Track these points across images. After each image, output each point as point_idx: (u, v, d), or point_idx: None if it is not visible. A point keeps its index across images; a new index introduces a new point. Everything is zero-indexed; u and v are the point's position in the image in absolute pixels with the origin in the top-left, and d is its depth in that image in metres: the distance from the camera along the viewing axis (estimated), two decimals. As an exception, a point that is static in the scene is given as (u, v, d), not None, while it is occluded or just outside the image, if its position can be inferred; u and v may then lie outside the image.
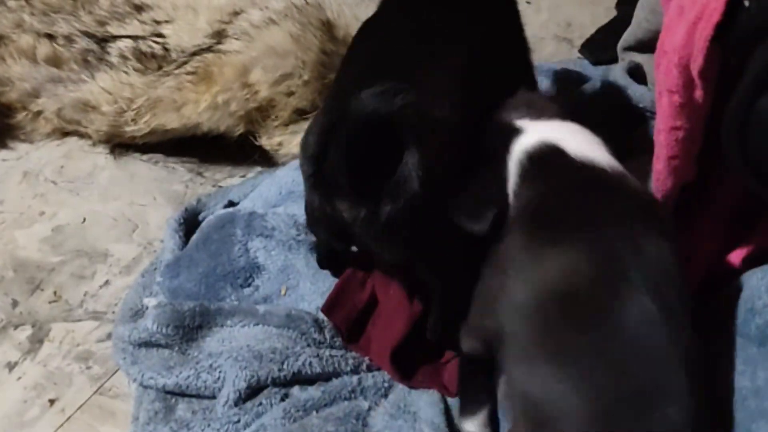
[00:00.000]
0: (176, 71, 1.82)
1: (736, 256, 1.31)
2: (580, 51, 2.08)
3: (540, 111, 1.32)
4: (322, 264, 1.54)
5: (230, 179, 1.87)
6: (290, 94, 1.76)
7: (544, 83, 1.81)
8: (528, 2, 2.19)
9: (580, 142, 1.24)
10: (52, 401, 1.53)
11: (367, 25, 1.51)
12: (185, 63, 1.83)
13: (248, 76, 1.76)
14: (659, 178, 1.25)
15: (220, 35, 1.85)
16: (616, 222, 1.13)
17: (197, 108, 1.78)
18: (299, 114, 1.78)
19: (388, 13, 1.51)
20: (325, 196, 1.32)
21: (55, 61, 1.97)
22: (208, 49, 1.83)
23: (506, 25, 1.54)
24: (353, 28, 1.79)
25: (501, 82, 1.42)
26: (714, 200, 1.28)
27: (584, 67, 2.00)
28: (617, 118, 1.73)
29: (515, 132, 1.29)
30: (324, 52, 1.76)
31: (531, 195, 1.22)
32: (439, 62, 1.35)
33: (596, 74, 1.90)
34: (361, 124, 1.24)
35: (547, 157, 1.24)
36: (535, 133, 1.27)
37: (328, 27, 1.79)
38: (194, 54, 1.84)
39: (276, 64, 1.75)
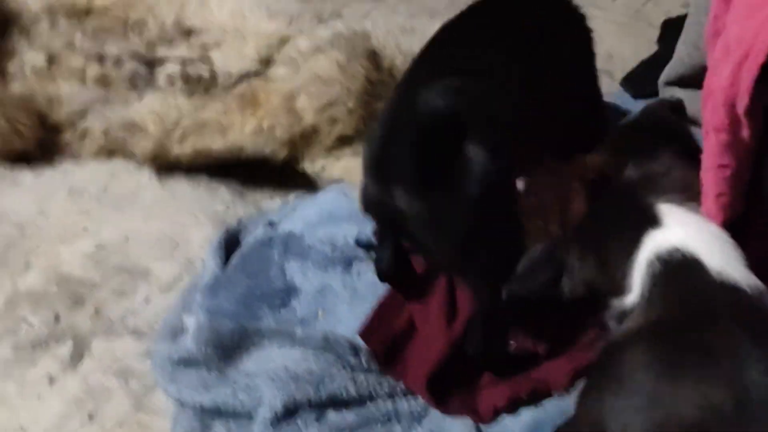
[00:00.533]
0: (223, 95, 1.86)
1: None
2: (620, 84, 2.09)
3: (683, 194, 1.21)
4: (384, 277, 1.55)
5: (271, 202, 1.90)
6: (334, 121, 1.79)
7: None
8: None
9: (721, 256, 1.14)
10: (91, 416, 1.56)
11: (444, 29, 1.55)
12: (232, 87, 1.86)
13: (294, 103, 1.79)
14: (709, 215, 1.24)
15: (267, 61, 1.88)
16: (759, 356, 1.03)
17: (242, 132, 1.82)
18: (343, 141, 1.80)
19: (464, 20, 1.55)
20: (384, 183, 1.35)
21: (103, 82, 2.00)
22: (255, 74, 1.86)
23: (578, 49, 1.59)
24: (398, 59, 1.83)
25: (566, 98, 1.47)
26: (759, 233, 1.28)
27: (624, 100, 2.01)
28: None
29: (651, 221, 1.17)
30: (369, 81, 1.79)
31: (663, 309, 1.13)
32: (507, 68, 1.39)
33: (636, 108, 1.91)
34: (429, 117, 1.29)
35: (686, 269, 1.13)
36: (673, 233, 1.16)
37: (373, 56, 1.82)
38: (241, 79, 1.87)
39: (321, 91, 1.78)
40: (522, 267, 1.26)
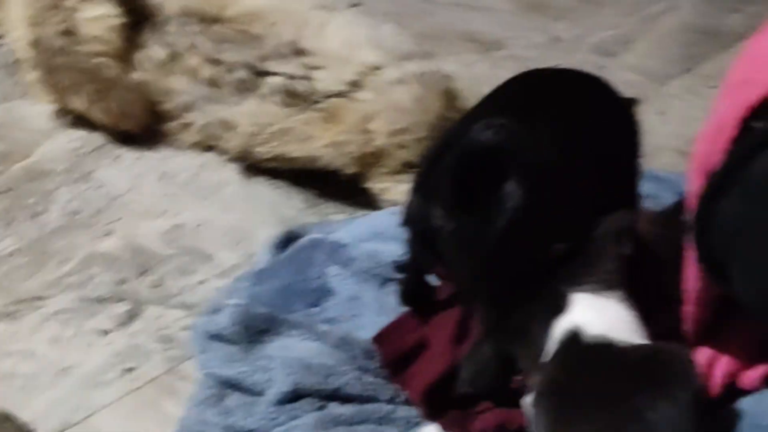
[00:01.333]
0: (310, 107, 2.02)
1: (757, 372, 1.37)
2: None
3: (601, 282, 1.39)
4: (406, 300, 1.65)
5: (337, 215, 2.03)
6: (403, 147, 1.92)
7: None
8: (662, 113, 2.28)
9: (608, 327, 1.33)
10: (129, 370, 1.72)
11: (506, 84, 1.63)
12: (319, 102, 2.02)
13: (369, 124, 1.93)
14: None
15: (356, 84, 2.03)
16: (620, 399, 1.23)
17: (319, 143, 1.97)
18: (407, 166, 1.93)
19: (527, 79, 1.63)
20: (426, 198, 1.45)
21: (212, 83, 2.18)
22: (342, 94, 2.02)
23: (622, 136, 1.61)
24: (472, 102, 1.94)
25: (605, 178, 1.50)
26: (735, 318, 1.35)
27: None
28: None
29: (561, 309, 1.36)
30: (441, 117, 1.92)
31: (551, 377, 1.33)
32: (557, 124, 1.45)
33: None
34: (472, 147, 1.38)
35: (573, 342, 1.33)
36: (573, 316, 1.35)
37: (451, 96, 1.94)
38: (329, 96, 2.03)
39: (396, 118, 1.92)
40: (468, 373, 1.48)
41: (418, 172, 1.51)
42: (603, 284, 1.39)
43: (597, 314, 1.36)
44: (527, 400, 1.36)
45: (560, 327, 1.35)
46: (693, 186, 1.17)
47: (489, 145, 1.39)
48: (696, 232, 1.15)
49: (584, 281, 1.39)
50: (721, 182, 1.09)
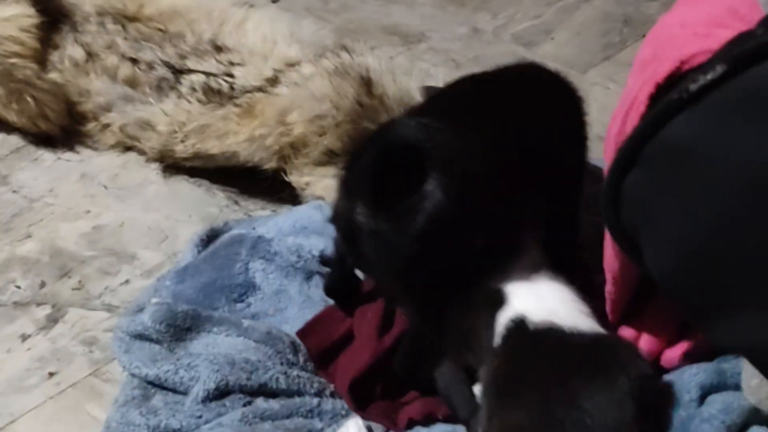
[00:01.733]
0: (227, 104, 2.00)
1: (677, 350, 1.39)
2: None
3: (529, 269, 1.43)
4: (329, 292, 1.65)
5: (261, 211, 2.02)
6: (322, 134, 1.91)
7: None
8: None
9: (545, 310, 1.36)
10: (51, 374, 1.69)
11: (448, 87, 1.65)
12: (236, 98, 2.01)
13: (286, 116, 1.92)
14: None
15: (274, 81, 2.02)
16: (558, 385, 1.26)
17: (237, 138, 1.96)
18: (329, 156, 1.92)
19: (467, 82, 1.63)
20: (349, 194, 1.44)
21: (131, 83, 2.16)
22: (260, 90, 2.00)
23: (568, 130, 1.60)
24: (391, 89, 1.95)
25: (546, 166, 1.50)
26: (655, 297, 1.37)
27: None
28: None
29: (500, 303, 1.39)
30: (359, 104, 1.91)
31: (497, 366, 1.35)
32: (488, 128, 1.45)
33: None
34: (392, 142, 1.39)
35: (516, 330, 1.35)
36: (513, 307, 1.37)
37: (367, 83, 1.94)
38: (247, 92, 2.01)
39: (312, 106, 1.91)
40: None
41: (342, 167, 1.51)
42: (531, 268, 1.42)
43: (537, 300, 1.38)
44: (476, 392, 1.39)
45: (503, 319, 1.37)
46: (607, 165, 1.18)
47: (409, 141, 1.39)
48: (606, 207, 1.16)
49: (512, 269, 1.41)
50: (626, 156, 1.11)
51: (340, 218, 1.50)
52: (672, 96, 1.05)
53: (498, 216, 1.42)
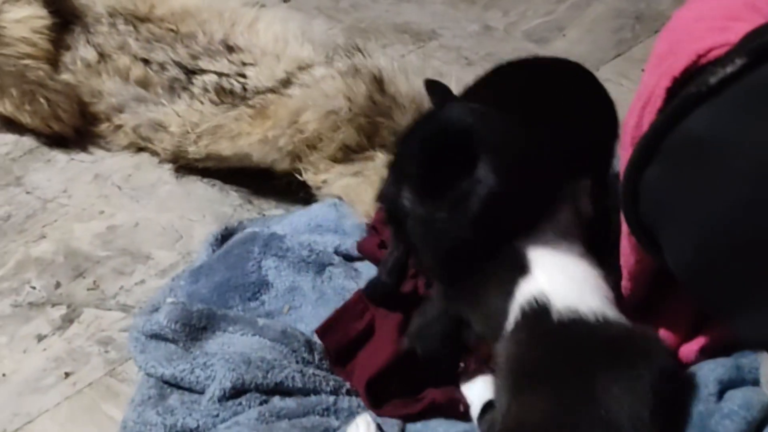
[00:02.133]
0: (240, 104, 2.00)
1: (693, 346, 1.39)
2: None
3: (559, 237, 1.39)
4: (374, 298, 1.59)
5: (275, 211, 2.02)
6: (336, 129, 1.91)
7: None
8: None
9: (572, 296, 1.32)
10: (67, 374, 1.69)
11: (489, 73, 1.64)
12: (249, 99, 2.01)
13: (299, 117, 1.92)
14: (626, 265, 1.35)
15: (286, 82, 2.02)
16: (575, 373, 1.25)
17: (249, 140, 1.95)
18: (345, 151, 1.92)
19: (511, 68, 1.64)
20: (397, 177, 1.43)
21: (144, 83, 2.16)
22: (273, 91, 2.00)
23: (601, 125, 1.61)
24: (403, 87, 1.94)
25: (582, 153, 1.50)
26: (672, 293, 1.36)
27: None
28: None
29: (521, 270, 1.35)
30: (372, 100, 1.91)
31: (514, 348, 1.33)
32: (534, 114, 1.45)
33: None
34: (443, 127, 1.38)
35: (535, 316, 1.32)
36: (535, 282, 1.34)
37: (379, 81, 1.94)
38: (260, 93, 2.01)
39: (325, 103, 1.91)
40: (415, 326, 1.48)
41: (391, 151, 1.49)
42: (560, 234, 1.39)
43: (562, 277, 1.34)
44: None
45: (524, 293, 1.33)
46: (624, 160, 1.18)
47: (458, 125, 1.38)
48: (624, 202, 1.16)
49: (541, 231, 1.38)
50: (645, 150, 1.11)
51: (387, 202, 1.48)
52: (691, 89, 1.05)
53: (544, 196, 1.42)
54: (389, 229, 1.56)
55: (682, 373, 1.36)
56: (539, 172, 1.39)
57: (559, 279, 1.33)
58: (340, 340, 1.60)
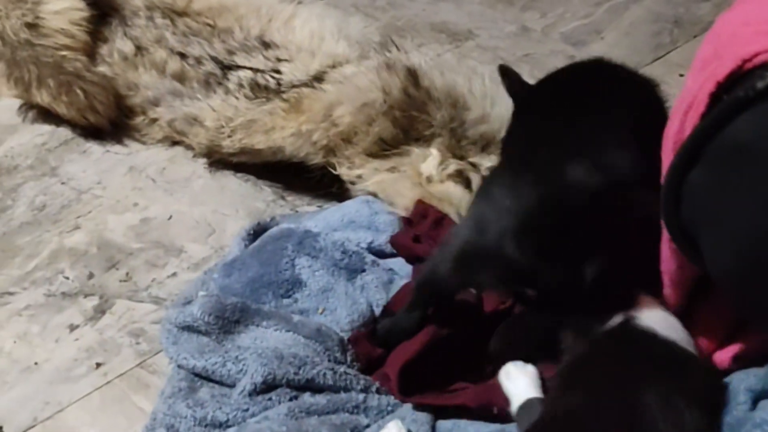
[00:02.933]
0: (274, 98, 2.01)
1: (728, 353, 1.37)
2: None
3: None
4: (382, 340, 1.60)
5: (308, 207, 2.02)
6: (371, 122, 1.91)
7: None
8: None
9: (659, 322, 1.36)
10: (98, 365, 1.70)
11: (542, 90, 1.61)
12: (283, 92, 2.01)
13: (333, 111, 1.92)
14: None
15: (321, 77, 2.02)
16: (628, 389, 1.25)
17: (283, 133, 1.95)
18: (380, 145, 1.92)
19: (570, 88, 1.60)
20: (521, 248, 1.35)
21: (180, 77, 2.17)
22: (306, 84, 2.00)
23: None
24: (438, 82, 1.93)
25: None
26: (707, 300, 1.35)
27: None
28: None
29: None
30: (407, 94, 1.90)
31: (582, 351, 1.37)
32: (627, 141, 1.42)
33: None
34: (584, 195, 1.34)
35: (620, 328, 1.36)
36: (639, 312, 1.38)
37: (413, 75, 1.93)
38: (294, 87, 2.01)
39: (359, 96, 1.91)
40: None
41: (513, 216, 1.38)
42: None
43: (653, 313, 1.37)
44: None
45: (618, 316, 1.38)
46: (666, 164, 1.16)
47: (597, 190, 1.34)
48: (665, 207, 1.15)
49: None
50: (688, 155, 1.09)
51: (478, 257, 1.43)
52: (737, 93, 1.04)
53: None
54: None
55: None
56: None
57: (656, 315, 1.37)
58: (371, 353, 1.60)
